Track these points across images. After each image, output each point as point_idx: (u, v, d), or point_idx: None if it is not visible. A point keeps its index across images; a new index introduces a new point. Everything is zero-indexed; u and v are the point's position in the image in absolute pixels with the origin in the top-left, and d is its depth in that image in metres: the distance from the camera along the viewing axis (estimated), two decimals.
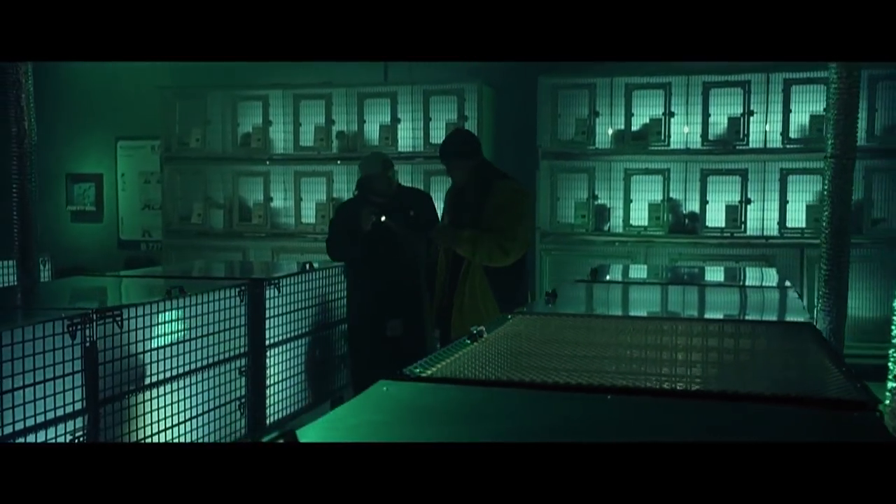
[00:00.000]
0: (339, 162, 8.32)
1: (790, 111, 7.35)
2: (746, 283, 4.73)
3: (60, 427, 3.36)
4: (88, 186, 10.31)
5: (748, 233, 7.47)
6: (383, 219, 5.04)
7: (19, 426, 3.15)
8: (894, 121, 7.21)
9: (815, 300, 3.97)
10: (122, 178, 10.17)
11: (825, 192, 4.27)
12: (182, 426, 4.15)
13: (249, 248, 8.61)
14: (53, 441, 3.32)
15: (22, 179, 4.53)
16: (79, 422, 3.45)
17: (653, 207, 7.65)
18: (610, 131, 7.77)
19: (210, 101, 8.66)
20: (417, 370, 2.25)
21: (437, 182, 7.75)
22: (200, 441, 4.31)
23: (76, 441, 3.43)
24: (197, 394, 4.27)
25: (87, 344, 3.48)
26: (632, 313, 3.81)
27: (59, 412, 3.34)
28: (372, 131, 8.24)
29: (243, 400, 4.67)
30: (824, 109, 7.17)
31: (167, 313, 4.01)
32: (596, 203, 7.81)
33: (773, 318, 3.59)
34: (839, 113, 3.77)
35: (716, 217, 7.53)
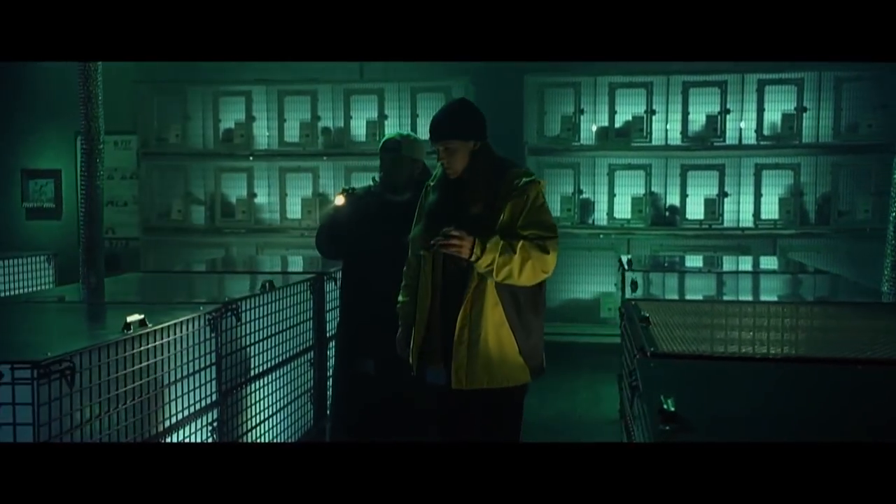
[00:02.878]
0: (324, 158, 8.37)
1: (764, 110, 7.83)
2: (787, 270, 5.13)
3: (200, 420, 3.41)
4: (46, 183, 9.98)
5: (725, 224, 7.92)
6: (339, 201, 4.07)
7: (175, 419, 3.20)
8: (857, 119, 7.78)
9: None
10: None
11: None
12: (274, 418, 4.22)
13: (232, 245, 8.56)
14: (195, 434, 3.37)
15: None
16: (213, 414, 3.51)
17: (635, 201, 8.02)
18: (594, 128, 8.09)
19: (190, 96, 8.56)
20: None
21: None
22: (282, 434, 4.38)
23: (211, 432, 3.49)
24: (284, 385, 4.35)
25: (219, 337, 3.54)
26: (731, 298, 4.13)
27: (197, 406, 3.39)
28: (359, 127, 8.32)
29: (311, 392, 4.76)
30: (795, 108, 7.79)
31: (266, 306, 4.08)
32: (581, 197, 8.13)
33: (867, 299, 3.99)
34: None
35: (695, 210, 7.96)
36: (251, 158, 8.49)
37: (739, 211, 7.91)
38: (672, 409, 1.72)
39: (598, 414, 6.17)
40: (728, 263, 6.23)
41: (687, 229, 7.98)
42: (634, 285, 4.09)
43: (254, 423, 3.95)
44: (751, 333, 2.99)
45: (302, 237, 8.20)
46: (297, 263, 6.17)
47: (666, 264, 6.20)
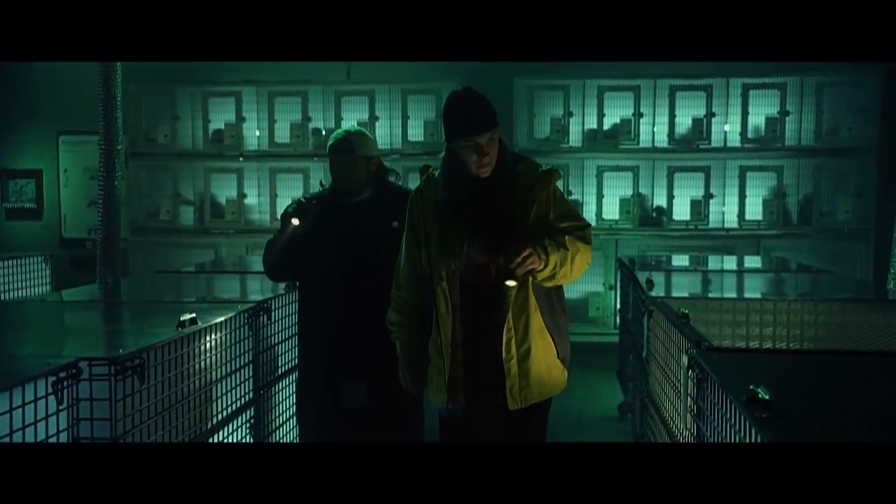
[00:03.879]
0: (315, 158, 8.39)
1: (748, 113, 8.03)
2: (796, 269, 5.30)
3: (239, 419, 3.45)
4: (26, 183, 9.87)
5: (710, 225, 8.11)
6: (295, 221, 3.53)
7: (220, 417, 3.23)
8: (837, 123, 8.01)
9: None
10: (64, 174, 9.80)
11: None
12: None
13: (221, 245, 8.55)
14: (236, 431, 3.40)
15: None
16: (249, 412, 3.55)
17: (623, 202, 8.17)
18: (583, 130, 8.22)
19: (179, 96, 8.53)
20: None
21: (416, 180, 7.96)
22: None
23: (249, 430, 3.53)
24: None
25: (255, 335, 3.58)
26: (749, 296, 4.27)
27: (237, 404, 3.43)
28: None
29: None
30: (778, 112, 8.00)
31: (291, 305, 4.12)
32: (570, 198, 8.24)
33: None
34: None
35: (681, 211, 8.13)
36: (241, 159, 8.50)
37: (724, 212, 8.11)
38: (767, 397, 1.82)
39: (596, 411, 6.28)
40: (714, 263, 6.39)
41: (673, 230, 8.15)
42: (651, 284, 4.20)
43: (280, 422, 3.99)
44: (785, 329, 3.11)
45: None
46: None
47: (653, 263, 6.34)
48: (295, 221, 3.52)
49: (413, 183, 6.41)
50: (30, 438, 2.16)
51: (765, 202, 8.05)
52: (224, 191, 8.56)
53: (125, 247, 9.04)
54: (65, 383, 2.26)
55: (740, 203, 8.07)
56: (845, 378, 2.31)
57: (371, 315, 3.28)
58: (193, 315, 3.00)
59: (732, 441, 1.98)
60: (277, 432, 3.96)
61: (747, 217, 8.08)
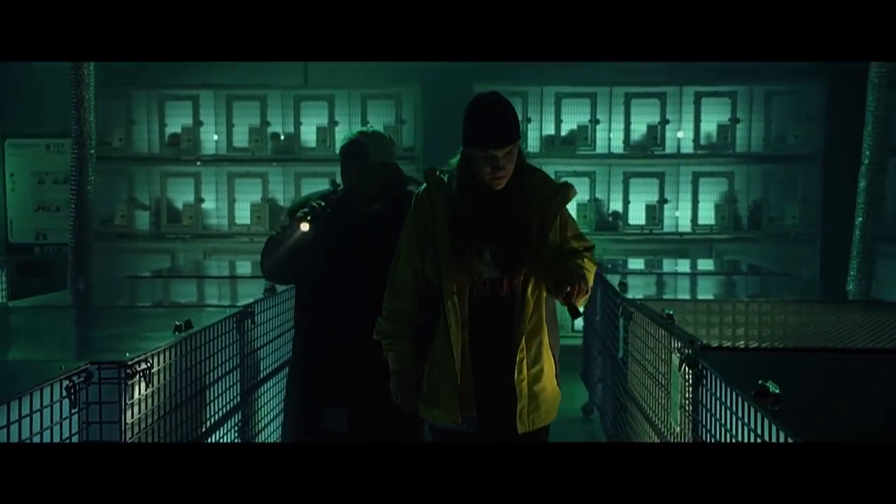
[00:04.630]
0: (274, 163, 8.38)
1: (700, 121, 8.25)
2: (747, 271, 5.47)
3: (230, 421, 3.46)
4: None
5: (665, 229, 8.30)
6: (305, 227, 3.25)
7: (212, 420, 3.24)
8: (785, 131, 8.28)
9: None
10: (10, 178, 9.59)
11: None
12: (277, 419, 4.28)
13: (178, 250, 8.47)
14: (226, 435, 3.41)
15: None
16: (238, 416, 3.56)
17: (580, 207, 8.31)
18: (541, 136, 8.35)
19: (134, 99, 8.44)
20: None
21: None
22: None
23: (237, 434, 3.54)
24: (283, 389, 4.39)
25: (242, 338, 3.59)
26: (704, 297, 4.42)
27: (227, 407, 3.44)
28: (308, 133, 8.36)
29: None
30: (729, 119, 8.24)
31: (273, 309, 4.14)
32: None
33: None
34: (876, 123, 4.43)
35: (636, 215, 8.31)
36: (198, 163, 8.43)
37: (678, 217, 8.31)
38: (777, 391, 1.92)
39: (560, 412, 6.36)
40: (669, 266, 6.60)
41: (629, 234, 8.33)
42: (624, 287, 4.32)
43: (262, 425, 4.00)
44: (769, 329, 3.25)
45: (251, 242, 8.18)
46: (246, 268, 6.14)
47: (609, 266, 6.49)
48: (305, 227, 3.21)
49: None
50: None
51: (717, 207, 8.27)
52: (181, 195, 8.48)
53: (56, 251, 8.90)
54: (78, 387, 2.25)
55: (693, 208, 8.28)
56: (840, 374, 2.44)
57: (370, 338, 2.98)
58: (188, 319, 3.00)
59: (739, 434, 2.08)
60: (260, 436, 3.97)
61: (700, 222, 8.29)
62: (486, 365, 2.77)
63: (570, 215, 2.89)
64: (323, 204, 3.32)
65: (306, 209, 3.26)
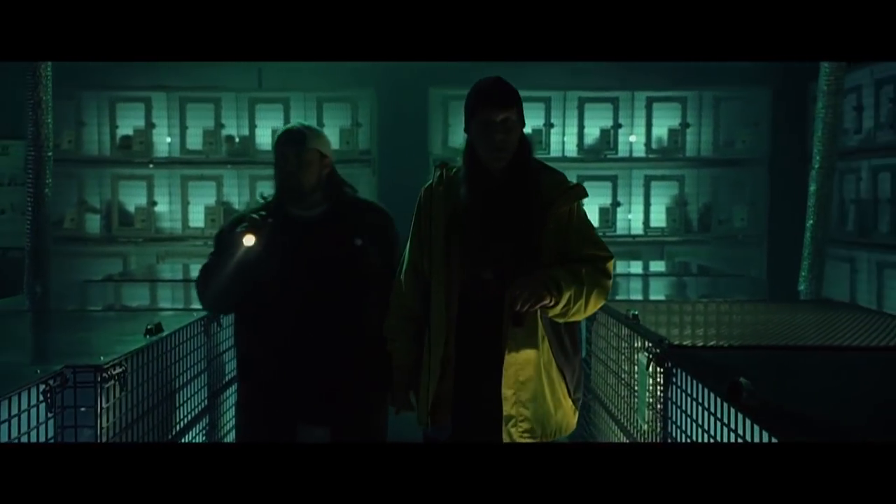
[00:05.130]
0: (228, 166, 8.32)
1: (652, 125, 8.41)
2: (714, 272, 5.61)
3: (199, 426, 3.44)
4: None
5: (618, 232, 8.44)
6: (250, 240, 2.98)
7: (181, 425, 3.23)
8: (733, 136, 8.48)
9: None
10: None
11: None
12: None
13: (130, 254, 8.35)
14: (195, 438, 3.40)
15: None
16: (206, 419, 3.54)
17: None
18: None
19: (84, 100, 8.31)
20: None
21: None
22: None
23: (205, 438, 3.52)
24: None
25: (209, 341, 3.58)
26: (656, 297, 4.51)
27: (196, 411, 3.42)
28: (264, 136, 8.31)
29: None
30: (679, 124, 8.41)
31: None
32: None
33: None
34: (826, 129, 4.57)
35: (591, 218, 8.39)
36: (151, 166, 8.33)
37: (631, 219, 8.45)
38: (750, 387, 2.00)
39: None
40: (622, 267, 6.72)
41: None
42: None
43: (229, 428, 3.98)
44: (730, 329, 3.34)
45: (206, 246, 8.07)
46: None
47: None
48: (250, 240, 2.94)
49: None
50: None
51: (668, 210, 8.43)
52: (133, 198, 8.37)
53: (17, 256, 8.72)
54: (55, 391, 2.24)
55: (645, 211, 8.43)
56: (806, 370, 2.53)
57: (330, 350, 2.91)
58: (158, 322, 2.99)
59: (713, 430, 2.15)
60: (227, 438, 3.96)
61: (652, 224, 8.44)
62: (475, 372, 2.66)
63: (581, 219, 2.80)
64: (264, 213, 3.08)
65: (245, 223, 3.01)
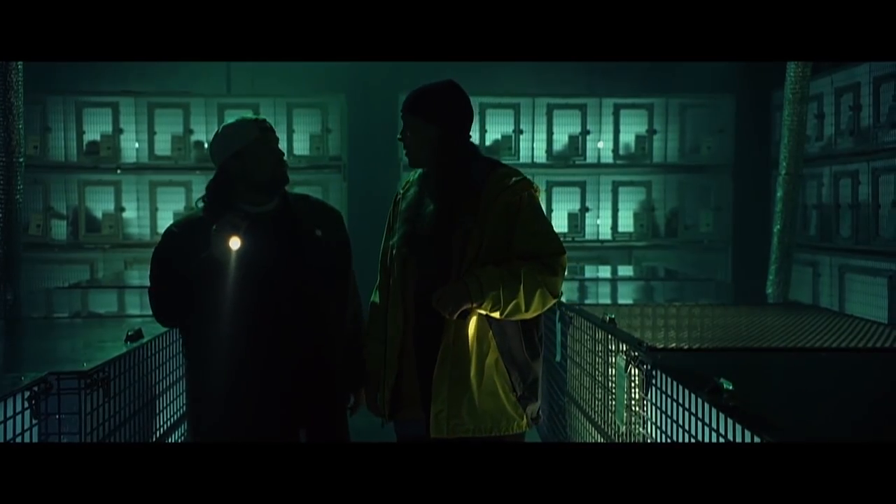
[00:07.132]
0: (197, 172, 8.28)
1: (619, 131, 8.52)
2: (681, 276, 5.70)
3: (178, 431, 3.44)
4: None
5: (586, 237, 8.53)
6: (236, 243, 2.74)
7: (162, 430, 3.22)
8: (699, 142, 8.62)
9: None
10: None
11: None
12: None
13: (97, 260, 8.28)
14: (178, 441, 3.39)
15: None
16: (184, 426, 3.53)
17: None
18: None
19: (50, 105, 8.23)
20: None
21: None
22: None
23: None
24: None
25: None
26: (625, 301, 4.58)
27: (176, 416, 3.42)
28: None
29: None
30: (646, 131, 8.53)
31: None
32: None
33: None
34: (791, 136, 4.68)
35: (559, 223, 8.49)
36: (119, 172, 8.26)
37: (599, 224, 8.55)
38: (731, 387, 2.05)
39: None
40: (590, 272, 6.83)
41: None
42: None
43: None
44: (703, 332, 3.41)
45: None
46: None
47: None
48: (236, 243, 2.71)
49: None
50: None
51: (635, 215, 8.54)
52: (100, 204, 8.29)
53: None
54: (39, 398, 2.23)
55: (613, 216, 8.53)
56: (781, 371, 2.60)
57: (297, 350, 2.75)
58: (139, 328, 2.99)
59: (694, 430, 2.20)
60: None
61: (620, 229, 8.55)
62: (424, 364, 2.64)
63: (528, 214, 2.64)
64: (242, 214, 2.82)
65: (227, 224, 2.74)
